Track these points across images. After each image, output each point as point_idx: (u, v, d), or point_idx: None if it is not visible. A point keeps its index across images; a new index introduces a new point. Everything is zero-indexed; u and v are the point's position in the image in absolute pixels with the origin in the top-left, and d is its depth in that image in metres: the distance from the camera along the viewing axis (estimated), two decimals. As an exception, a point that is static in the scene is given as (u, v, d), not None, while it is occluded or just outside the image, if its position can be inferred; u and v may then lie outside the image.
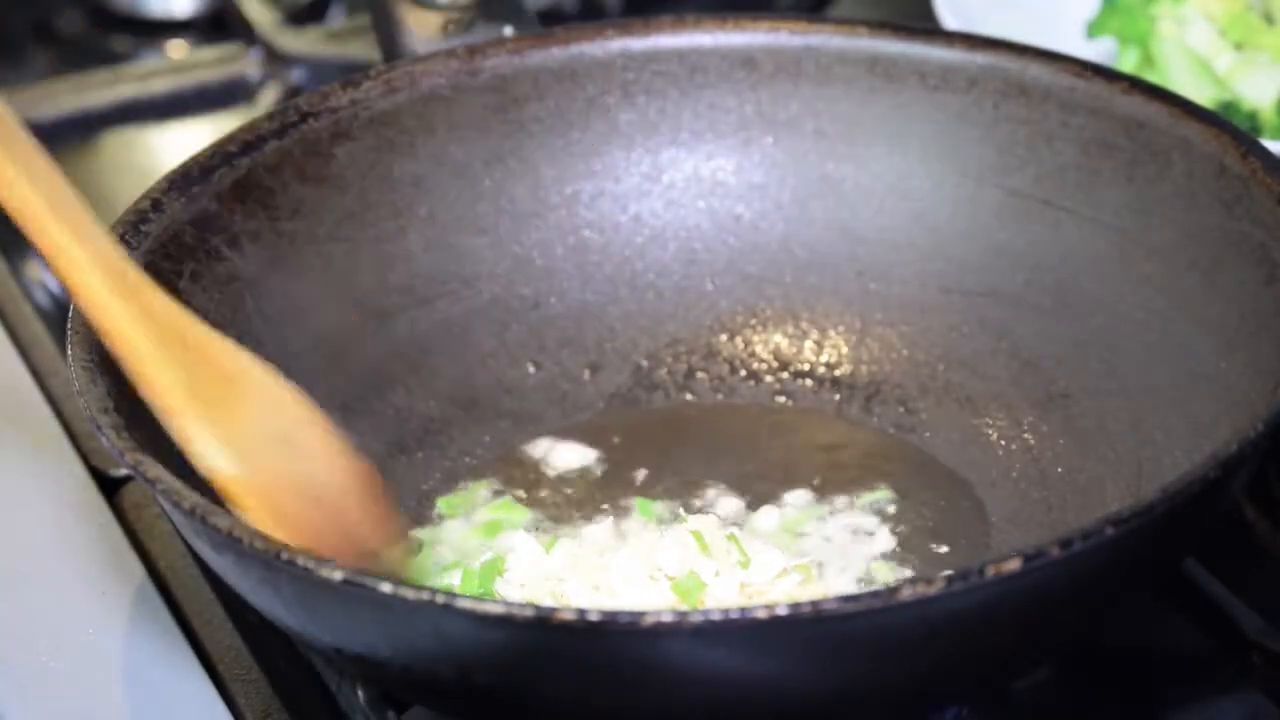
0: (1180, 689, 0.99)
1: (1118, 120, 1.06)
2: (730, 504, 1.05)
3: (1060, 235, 1.08)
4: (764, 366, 1.14)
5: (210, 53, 1.53)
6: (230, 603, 1.01)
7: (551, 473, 1.08)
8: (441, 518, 1.05)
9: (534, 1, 1.36)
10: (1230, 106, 1.28)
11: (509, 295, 1.13)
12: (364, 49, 1.41)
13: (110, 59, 1.57)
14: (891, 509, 1.05)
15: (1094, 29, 1.34)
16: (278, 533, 0.89)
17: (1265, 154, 1.01)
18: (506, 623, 0.80)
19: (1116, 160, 1.06)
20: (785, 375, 1.13)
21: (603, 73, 1.14)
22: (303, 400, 0.97)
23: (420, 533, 1.03)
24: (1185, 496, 0.84)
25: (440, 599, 0.80)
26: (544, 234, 1.14)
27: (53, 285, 1.29)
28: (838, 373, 1.13)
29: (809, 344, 1.14)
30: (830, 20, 1.15)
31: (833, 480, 1.07)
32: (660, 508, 1.05)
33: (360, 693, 0.97)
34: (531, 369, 1.13)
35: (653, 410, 1.13)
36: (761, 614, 0.79)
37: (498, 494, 1.06)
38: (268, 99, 1.45)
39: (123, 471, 1.10)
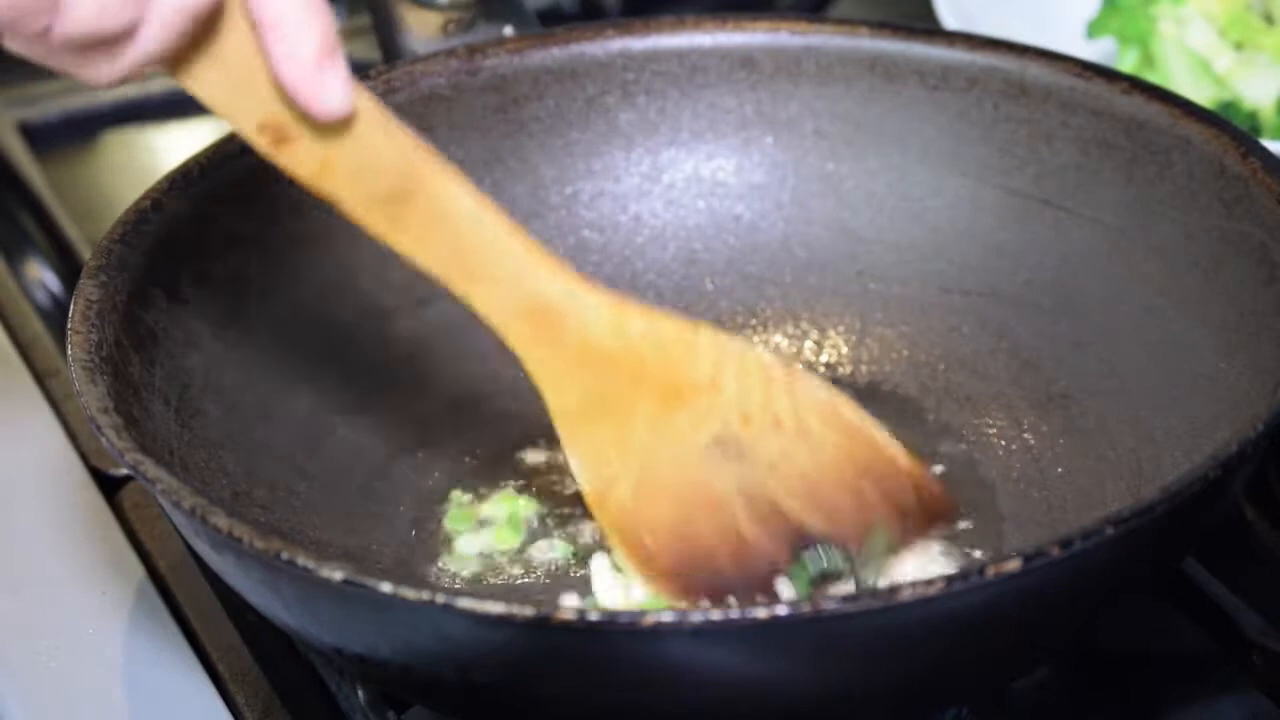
0: (1180, 689, 0.99)
1: (1118, 120, 1.06)
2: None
3: (1060, 235, 1.08)
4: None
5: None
6: (230, 603, 1.01)
7: (554, 472, 1.08)
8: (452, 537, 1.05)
9: (534, 1, 1.36)
10: (1230, 106, 1.28)
11: (509, 295, 1.13)
12: (364, 49, 1.41)
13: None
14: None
15: (1094, 29, 1.34)
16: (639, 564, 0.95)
17: (1265, 154, 1.01)
18: (506, 623, 0.80)
19: (1116, 160, 1.06)
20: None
21: (603, 73, 1.14)
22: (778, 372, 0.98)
23: (448, 562, 1.03)
24: (1185, 496, 0.84)
25: (440, 599, 0.80)
26: (544, 234, 1.13)
27: (53, 285, 1.29)
28: (838, 373, 1.13)
29: (809, 344, 1.14)
30: (830, 20, 1.15)
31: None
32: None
33: (360, 693, 0.97)
34: (532, 369, 1.12)
35: (653, 410, 1.13)
36: (761, 614, 0.79)
37: (497, 490, 1.06)
38: (268, 99, 1.44)
39: (123, 471, 1.10)
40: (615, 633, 0.80)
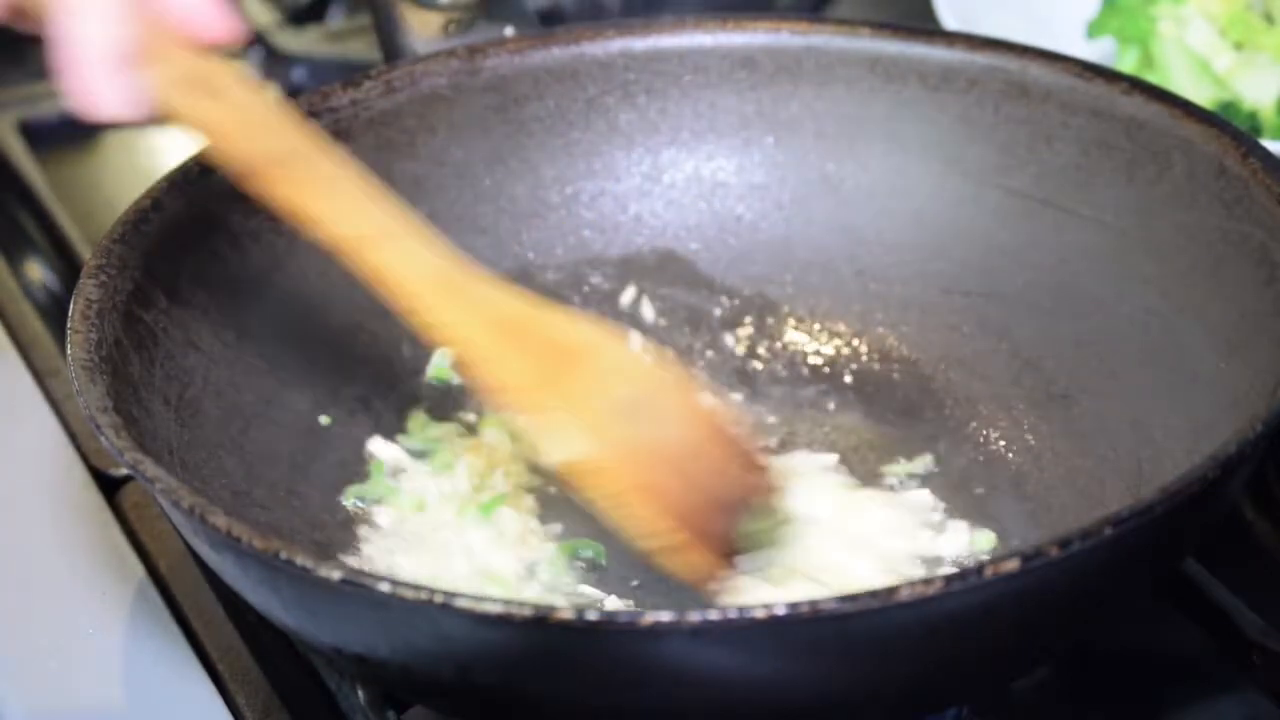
0: (1180, 689, 0.99)
1: (1118, 120, 1.06)
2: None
3: (1060, 235, 1.08)
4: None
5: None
6: (230, 603, 1.01)
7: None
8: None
9: (534, 1, 1.36)
10: (1230, 106, 1.28)
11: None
12: (364, 49, 1.42)
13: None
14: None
15: (1094, 29, 1.34)
16: (645, 507, 0.90)
17: (1265, 154, 1.01)
18: (505, 622, 0.80)
19: (1116, 160, 1.06)
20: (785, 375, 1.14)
21: (603, 73, 1.14)
22: (646, 356, 0.96)
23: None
24: (1185, 496, 0.84)
25: (439, 598, 0.80)
26: (544, 234, 1.14)
27: (53, 285, 1.29)
28: (838, 372, 1.13)
29: (809, 344, 1.14)
30: (830, 20, 1.15)
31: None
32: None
33: (360, 693, 0.97)
34: (532, 369, 1.12)
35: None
36: (760, 614, 0.79)
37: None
38: (268, 99, 1.45)
39: (123, 471, 1.10)
40: (614, 632, 0.80)
